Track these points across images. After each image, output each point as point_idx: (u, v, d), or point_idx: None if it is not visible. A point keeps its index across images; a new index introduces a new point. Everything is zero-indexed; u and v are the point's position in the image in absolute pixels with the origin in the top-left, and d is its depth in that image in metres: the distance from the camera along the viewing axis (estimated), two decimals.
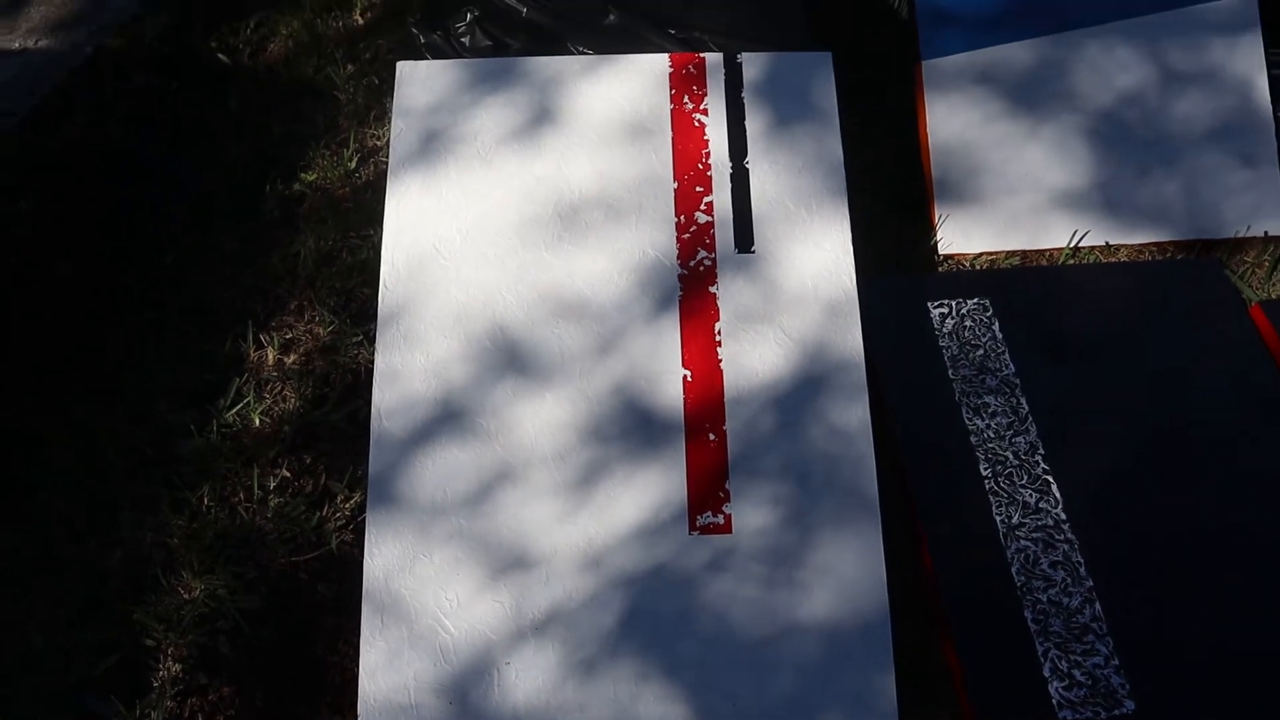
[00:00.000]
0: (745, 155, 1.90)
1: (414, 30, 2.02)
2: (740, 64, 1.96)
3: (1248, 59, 2.29)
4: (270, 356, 2.00)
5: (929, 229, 2.17)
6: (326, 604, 1.75)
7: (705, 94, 1.93)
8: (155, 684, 1.68)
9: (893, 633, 1.64)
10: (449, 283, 1.82)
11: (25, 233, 2.23)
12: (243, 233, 2.18)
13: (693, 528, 1.69)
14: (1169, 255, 2.22)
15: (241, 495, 1.84)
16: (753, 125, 1.92)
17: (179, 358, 2.02)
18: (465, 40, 2.01)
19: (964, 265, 2.18)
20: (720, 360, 1.78)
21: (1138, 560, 1.81)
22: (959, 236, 2.17)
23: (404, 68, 1.95)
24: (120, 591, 1.77)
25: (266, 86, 2.42)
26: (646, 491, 1.71)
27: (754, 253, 1.84)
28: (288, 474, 1.86)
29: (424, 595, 1.65)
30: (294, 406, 1.93)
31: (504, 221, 1.86)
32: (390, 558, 1.67)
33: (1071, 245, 2.19)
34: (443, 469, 1.72)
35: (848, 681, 1.62)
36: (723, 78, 1.95)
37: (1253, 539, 1.83)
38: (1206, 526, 1.84)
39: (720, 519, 1.69)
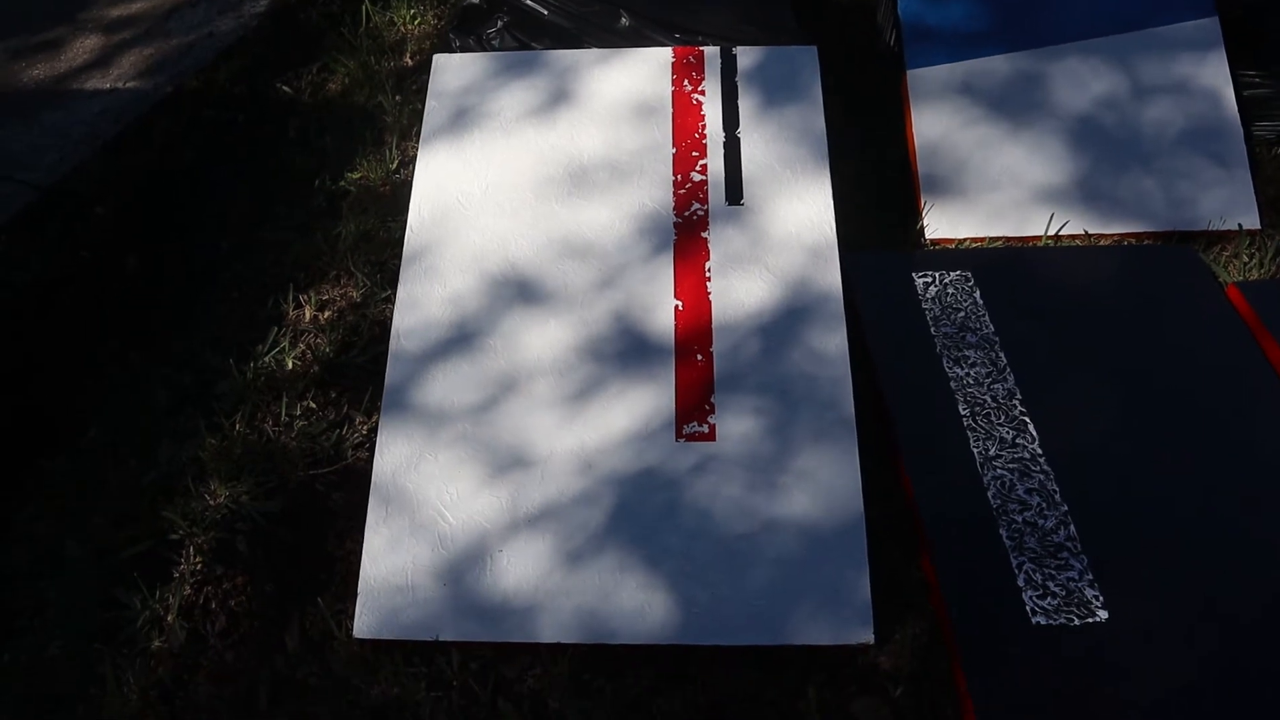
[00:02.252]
0: (737, 127, 2.10)
1: (451, 35, 2.29)
2: (735, 55, 2.19)
3: (1215, 73, 2.47)
4: (307, 314, 2.19)
5: (916, 217, 2.33)
6: (339, 510, 1.88)
7: (703, 79, 2.16)
8: (175, 575, 1.80)
9: (874, 554, 1.71)
10: (468, 228, 2.02)
11: (99, 233, 2.49)
12: (293, 222, 2.42)
13: (679, 435, 1.81)
14: (1147, 244, 2.35)
15: (270, 421, 2.00)
16: (745, 103, 2.13)
17: (226, 318, 2.23)
18: (495, 43, 2.28)
19: (949, 249, 2.33)
20: (709, 293, 1.93)
21: (1111, 491, 1.87)
22: (944, 224, 2.33)
23: (439, 59, 2.22)
24: (153, 501, 1.91)
25: (323, 114, 2.70)
26: (638, 403, 1.84)
27: (743, 205, 2.02)
28: (313, 405, 2.03)
29: (427, 490, 1.78)
30: (324, 352, 2.11)
31: (520, 180, 2.07)
32: (398, 457, 1.81)
33: (1052, 234, 2.34)
34: (452, 381, 1.87)
35: (824, 576, 1.69)
36: (719, 66, 2.18)
37: (1219, 476, 1.89)
38: (1176, 466, 1.91)
39: (705, 428, 1.81)
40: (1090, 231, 2.36)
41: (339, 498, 1.90)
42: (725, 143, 2.09)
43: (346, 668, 1.67)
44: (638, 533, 1.73)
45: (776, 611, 1.67)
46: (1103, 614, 1.71)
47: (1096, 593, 1.74)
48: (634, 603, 1.68)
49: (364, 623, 1.68)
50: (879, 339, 2.08)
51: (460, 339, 1.91)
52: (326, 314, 2.19)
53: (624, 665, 1.67)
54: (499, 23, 2.27)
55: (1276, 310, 2.21)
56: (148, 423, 2.07)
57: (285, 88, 2.79)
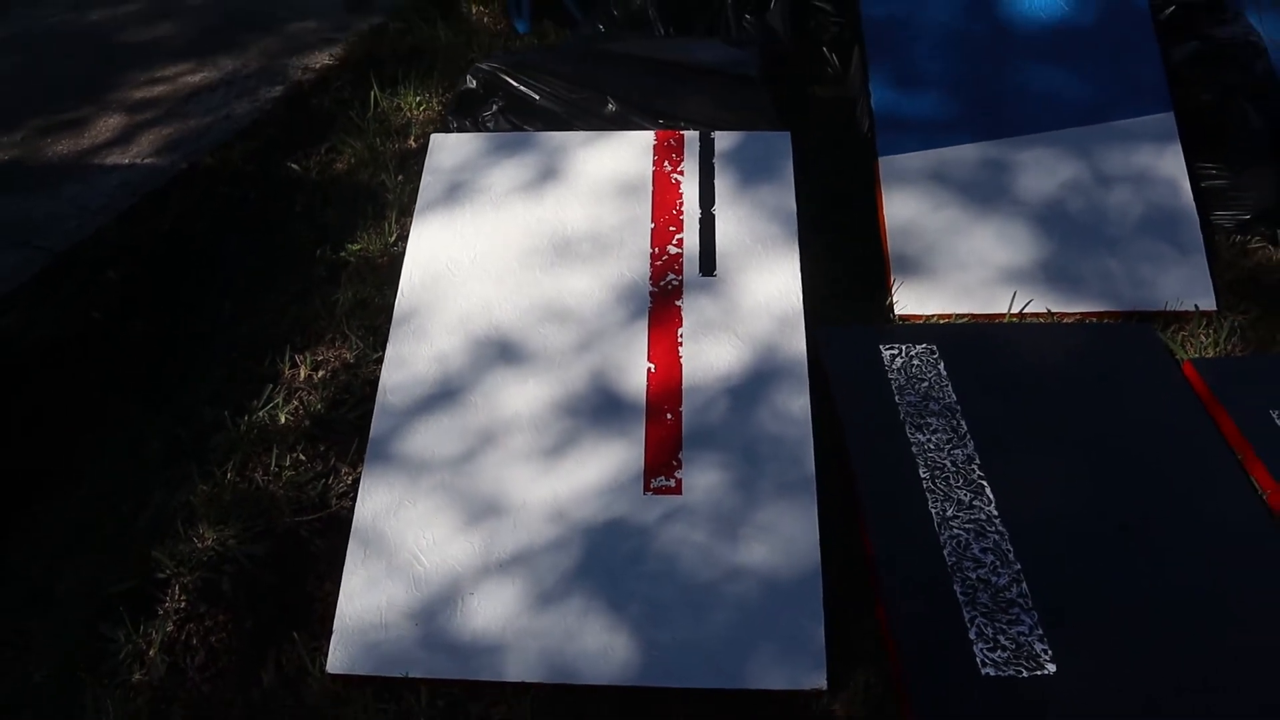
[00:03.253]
0: (713, 204, 2.24)
1: (449, 117, 2.45)
2: (713, 139, 2.34)
3: (1172, 163, 2.62)
4: (302, 373, 2.30)
5: (887, 294, 2.45)
6: (321, 554, 1.96)
7: (682, 160, 2.31)
8: (160, 611, 1.88)
9: (831, 605, 1.78)
10: (456, 293, 2.14)
11: (110, 296, 2.62)
12: (294, 289, 2.55)
13: (647, 488, 1.90)
14: (1107, 322, 2.45)
15: (260, 470, 2.10)
16: (720, 183, 2.27)
17: (225, 376, 2.34)
18: (490, 125, 2.44)
19: (918, 324, 2.44)
20: (681, 356, 2.04)
21: (1064, 552, 1.94)
22: (913, 301, 2.45)
23: (436, 138, 2.37)
24: (143, 543, 2.00)
25: (329, 190, 2.86)
26: (609, 458, 1.93)
27: (715, 276, 2.14)
28: (302, 456, 2.12)
29: (405, 534, 1.87)
30: (315, 408, 2.21)
31: (507, 250, 2.20)
32: (379, 503, 1.90)
33: (1017, 312, 2.45)
34: (434, 434, 1.97)
35: (781, 624, 1.76)
36: (698, 148, 2.32)
37: (1169, 540, 1.97)
38: (1128, 530, 1.98)
39: (672, 482, 1.90)
40: (1053, 310, 2.47)
41: (322, 543, 1.98)
42: (701, 219, 2.22)
43: (319, 702, 1.73)
44: (604, 579, 1.81)
45: (734, 656, 1.73)
46: (1051, 667, 1.77)
47: (1045, 646, 1.80)
48: (598, 644, 1.74)
49: (337, 658, 1.75)
50: (847, 405, 2.18)
51: (443, 395, 2.01)
52: (320, 373, 2.30)
53: (586, 705, 1.73)
54: (494, 106, 2.43)
55: (1228, 385, 2.31)
56: (143, 473, 2.16)
57: (295, 166, 2.95)
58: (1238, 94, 2.71)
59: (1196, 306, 2.50)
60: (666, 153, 2.32)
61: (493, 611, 1.78)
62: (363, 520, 1.88)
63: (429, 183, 2.30)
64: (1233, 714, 1.71)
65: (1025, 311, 2.47)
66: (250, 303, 2.54)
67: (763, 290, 2.12)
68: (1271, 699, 1.73)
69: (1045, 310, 2.47)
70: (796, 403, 1.98)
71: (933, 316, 2.45)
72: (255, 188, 2.94)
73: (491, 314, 2.11)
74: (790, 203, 2.23)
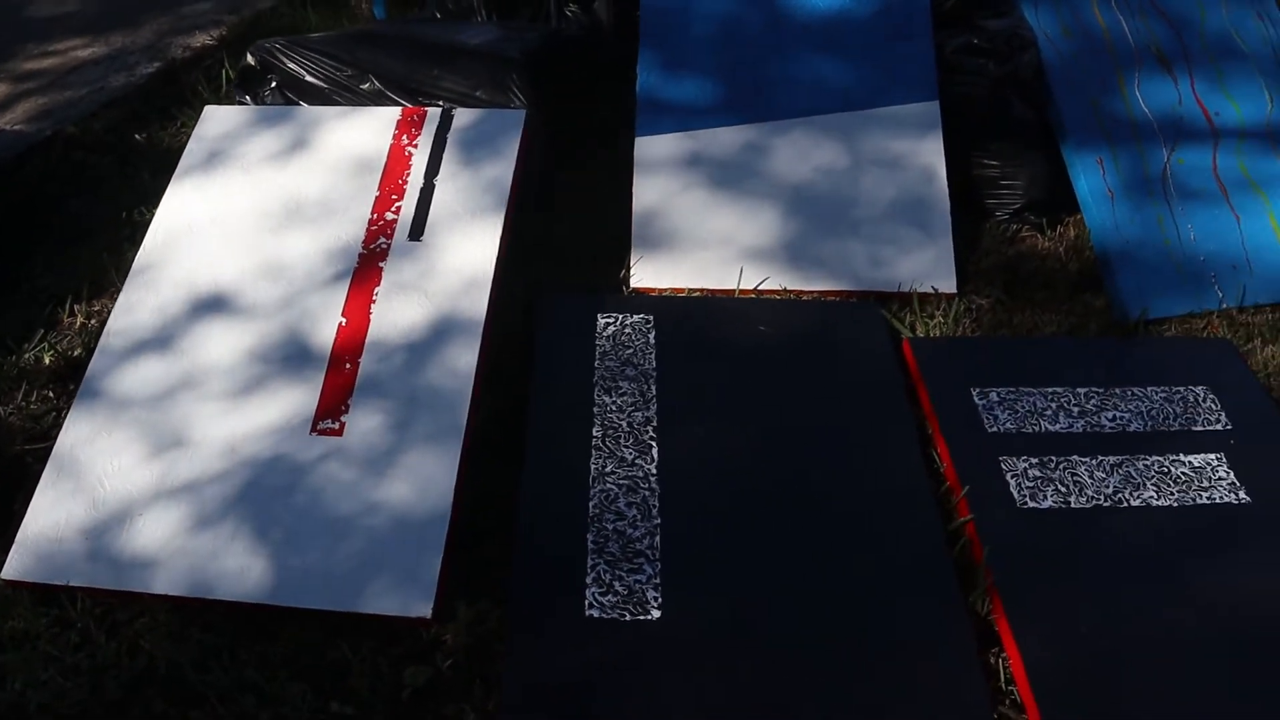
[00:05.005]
0: (436, 174, 2.41)
1: (235, 92, 2.67)
2: (453, 115, 2.51)
3: (931, 152, 2.71)
4: (77, 322, 2.54)
5: (624, 268, 2.59)
6: (36, 478, 2.18)
7: (419, 134, 2.49)
8: None
9: (471, 547, 1.96)
10: (190, 251, 2.35)
11: None
12: (99, 247, 2.79)
13: (314, 430, 2.09)
14: (834, 299, 2.57)
15: (8, 404, 2.33)
16: (449, 155, 2.44)
17: (20, 321, 2.58)
18: (268, 100, 2.65)
19: (648, 296, 2.58)
20: (371, 313, 2.22)
21: (711, 513, 2.08)
22: (650, 275, 2.59)
23: (208, 110, 2.59)
24: None
25: (170, 158, 3.07)
26: (286, 402, 2.13)
27: (422, 241, 2.32)
28: (51, 394, 2.36)
29: (96, 461, 2.08)
30: (75, 353, 2.44)
31: (244, 214, 2.40)
32: (80, 433, 2.12)
33: (752, 288, 2.57)
34: (142, 376, 2.18)
35: (403, 556, 1.94)
36: (437, 123, 2.50)
37: (829, 513, 2.09)
38: (784, 498, 2.11)
39: (336, 425, 2.09)
40: (790, 288, 2.59)
41: (40, 468, 2.20)
42: (422, 188, 2.39)
43: None
44: (255, 507, 2.00)
45: (354, 583, 1.91)
46: (656, 613, 1.91)
47: (657, 595, 1.93)
48: (237, 565, 1.94)
49: (12, 566, 1.97)
50: (544, 367, 2.34)
51: (157, 340, 2.23)
52: (92, 322, 2.53)
53: (221, 620, 1.93)
54: (272, 83, 2.64)
55: (934, 364, 2.42)
56: None
57: (139, 136, 3.19)
58: (1006, 85, 2.79)
59: (935, 289, 2.60)
60: (407, 127, 2.51)
61: (155, 533, 1.99)
62: (63, 447, 2.11)
63: (192, 150, 2.52)
64: (838, 672, 1.83)
65: (762, 289, 2.59)
66: (61, 258, 2.78)
67: (460, 255, 2.29)
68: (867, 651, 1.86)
69: (781, 288, 2.59)
70: (464, 359, 2.15)
71: (666, 290, 2.59)
72: (109, 155, 3.19)
73: (215, 271, 2.32)
74: (508, 175, 2.40)
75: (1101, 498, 2.15)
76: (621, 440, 2.20)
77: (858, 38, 2.84)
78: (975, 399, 2.35)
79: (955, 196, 2.75)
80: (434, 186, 2.40)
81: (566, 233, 2.69)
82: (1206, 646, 1.90)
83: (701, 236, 2.62)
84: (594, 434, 2.21)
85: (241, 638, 1.91)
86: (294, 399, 2.13)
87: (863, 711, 1.78)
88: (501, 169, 2.41)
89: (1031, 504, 2.12)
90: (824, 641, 1.87)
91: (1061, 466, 2.20)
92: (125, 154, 3.18)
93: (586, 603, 1.92)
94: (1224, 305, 2.64)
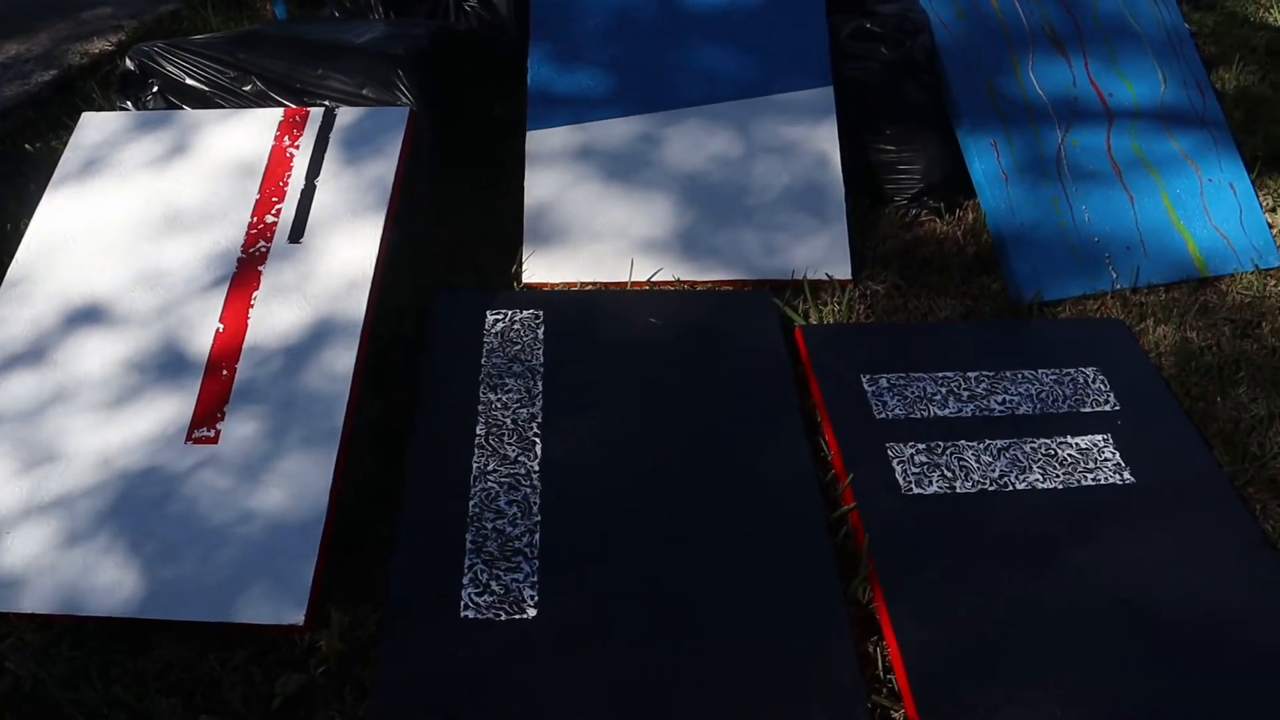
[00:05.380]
0: (317, 175, 2.38)
1: (115, 97, 2.62)
2: (336, 114, 2.48)
3: (825, 138, 2.70)
4: None
5: (516, 263, 2.57)
6: None
7: (301, 134, 2.45)
8: None
9: (349, 552, 1.95)
10: (65, 262, 2.31)
11: None
12: None
13: (189, 439, 2.05)
14: (727, 289, 2.56)
15: None
16: (331, 155, 2.41)
17: None
18: (150, 105, 2.60)
19: (539, 291, 2.56)
20: (250, 318, 2.19)
21: (591, 509, 2.06)
22: (543, 270, 2.57)
23: (85, 117, 2.54)
24: None
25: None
26: (162, 411, 2.09)
27: (301, 243, 2.29)
28: None
29: None
30: None
31: (123, 222, 2.36)
32: None
33: (645, 280, 2.56)
34: (15, 390, 2.14)
35: (278, 564, 1.91)
36: (319, 123, 2.46)
37: (711, 504, 2.08)
38: (667, 491, 2.10)
39: (212, 433, 2.06)
40: (684, 279, 2.58)
41: None
42: (303, 190, 2.36)
43: None
44: (129, 521, 1.96)
45: (229, 592, 1.88)
46: (531, 611, 1.89)
47: (534, 593, 1.92)
48: (109, 580, 1.90)
49: None
50: (432, 365, 2.31)
51: (30, 354, 2.18)
52: None
53: (93, 637, 1.89)
54: (154, 88, 2.59)
55: (824, 351, 2.42)
56: None
57: (30, 146, 3.13)
58: (899, 69, 2.78)
59: (829, 276, 2.60)
60: (289, 128, 2.47)
61: (23, 550, 1.95)
62: None
63: (68, 158, 2.47)
64: (713, 667, 1.82)
65: (656, 280, 2.58)
66: None
67: (340, 257, 2.26)
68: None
69: (675, 279, 2.58)
70: (342, 361, 2.12)
71: (559, 285, 2.57)
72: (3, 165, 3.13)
73: (91, 281, 2.27)
74: (390, 174, 2.37)
75: (987, 482, 2.15)
76: (505, 438, 2.18)
77: (751, 25, 2.83)
78: (865, 386, 2.35)
79: (853, 182, 2.76)
80: (315, 187, 2.36)
81: (460, 230, 2.67)
82: (1086, 628, 1.91)
83: (594, 230, 2.61)
84: (478, 432, 2.19)
85: (114, 654, 1.87)
86: (169, 408, 2.09)
87: (736, 706, 1.77)
88: (384, 168, 2.38)
89: (917, 490, 2.13)
90: (699, 636, 1.86)
91: (949, 451, 2.21)
92: (18, 164, 3.12)
93: (462, 604, 1.90)
94: (1118, 286, 2.66)
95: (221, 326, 2.18)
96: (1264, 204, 2.95)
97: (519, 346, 2.36)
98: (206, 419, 2.07)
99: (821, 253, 2.62)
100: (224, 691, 1.81)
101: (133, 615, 1.88)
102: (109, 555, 1.93)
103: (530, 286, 2.56)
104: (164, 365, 2.15)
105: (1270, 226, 2.85)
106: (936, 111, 2.82)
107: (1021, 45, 2.88)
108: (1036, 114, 2.80)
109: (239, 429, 2.06)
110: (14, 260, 2.32)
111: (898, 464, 2.17)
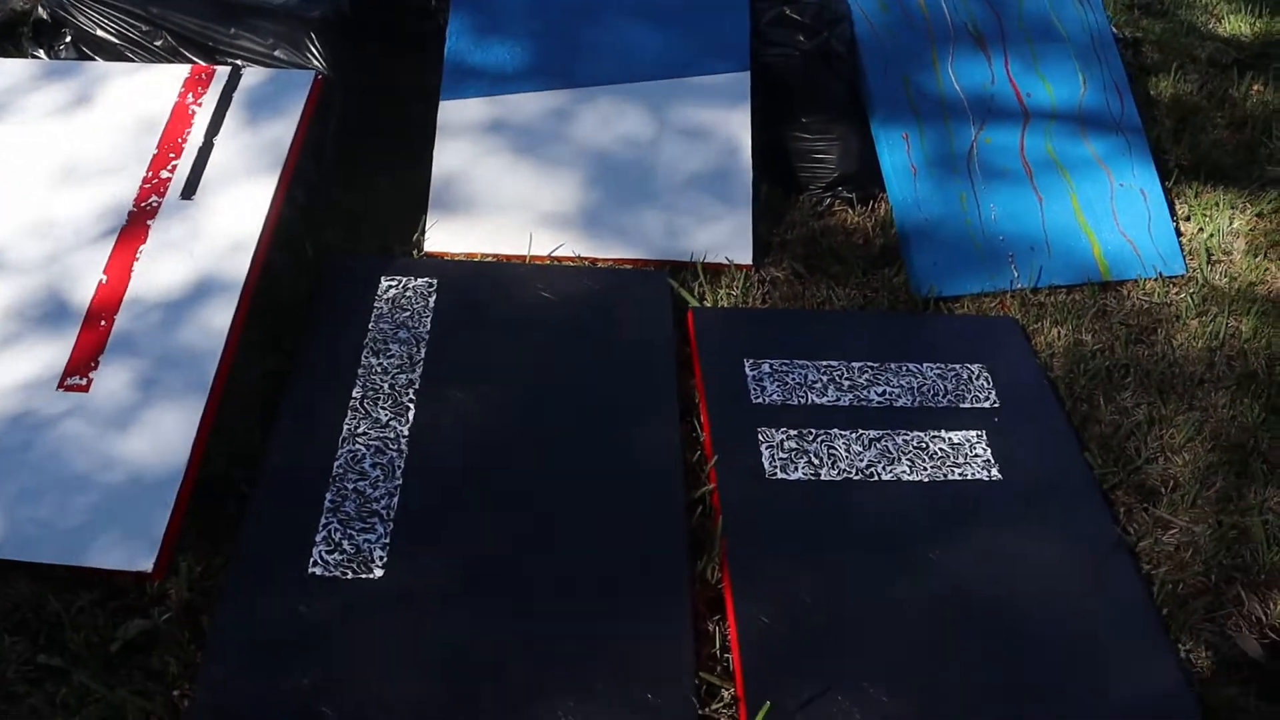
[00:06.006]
0: (216, 134, 2.40)
1: (26, 45, 2.64)
2: (242, 74, 2.50)
3: (737, 124, 2.71)
4: None
5: (418, 232, 2.59)
6: None
7: (205, 92, 2.47)
8: None
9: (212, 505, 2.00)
10: None
11: None
12: None
13: (60, 386, 2.08)
14: (625, 268, 2.58)
15: None
16: (232, 115, 2.43)
17: None
18: (62, 55, 2.62)
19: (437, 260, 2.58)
20: (133, 272, 2.21)
21: (455, 476, 2.09)
22: (445, 239, 2.59)
23: None
24: None
25: None
26: (38, 358, 2.11)
27: (193, 201, 2.31)
28: None
29: None
30: None
31: (21, 172, 2.38)
32: None
33: (545, 254, 2.58)
34: None
35: (135, 512, 1.93)
36: (224, 83, 2.48)
37: (571, 479, 2.11)
38: (536, 461, 2.13)
39: (84, 381, 2.08)
40: (585, 256, 2.60)
41: None
42: (201, 147, 2.38)
43: None
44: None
45: (84, 537, 1.91)
46: (379, 572, 1.92)
47: (383, 554, 1.95)
48: None
49: None
50: (317, 326, 2.34)
51: None
52: None
53: None
54: (68, 37, 2.61)
55: (712, 334, 2.44)
56: None
57: None
58: (817, 58, 2.79)
59: (729, 260, 2.61)
60: (194, 85, 2.49)
61: None
62: None
63: None
64: (551, 635, 1.85)
65: (557, 255, 2.60)
66: None
67: (230, 215, 2.28)
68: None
69: (576, 255, 2.60)
70: (220, 318, 2.15)
71: (459, 255, 2.59)
72: None
73: None
74: (288, 137, 2.39)
75: (854, 471, 2.18)
76: (380, 402, 2.20)
77: (672, 7, 2.84)
78: (747, 370, 2.37)
79: (768, 169, 2.77)
80: (212, 146, 2.38)
81: (366, 196, 2.69)
82: (926, 620, 1.93)
83: (500, 202, 2.63)
84: (354, 395, 2.21)
85: None
86: (45, 356, 2.12)
87: (569, 673, 1.80)
88: (283, 130, 2.40)
89: (781, 475, 2.15)
90: (541, 607, 1.89)
91: (819, 439, 2.23)
92: None
93: (311, 560, 1.93)
94: (1018, 285, 2.67)
95: (105, 278, 2.21)
96: (1180, 213, 2.96)
97: (408, 313, 2.38)
98: (80, 367, 2.10)
99: (724, 237, 2.63)
100: (66, 633, 1.84)
101: None
102: None
103: (431, 255, 2.58)
104: (45, 315, 2.17)
105: (1180, 235, 2.86)
106: (854, 102, 2.83)
107: (943, 41, 2.89)
108: (951, 110, 2.82)
109: (111, 379, 2.08)
110: None
111: (766, 449, 2.20)
